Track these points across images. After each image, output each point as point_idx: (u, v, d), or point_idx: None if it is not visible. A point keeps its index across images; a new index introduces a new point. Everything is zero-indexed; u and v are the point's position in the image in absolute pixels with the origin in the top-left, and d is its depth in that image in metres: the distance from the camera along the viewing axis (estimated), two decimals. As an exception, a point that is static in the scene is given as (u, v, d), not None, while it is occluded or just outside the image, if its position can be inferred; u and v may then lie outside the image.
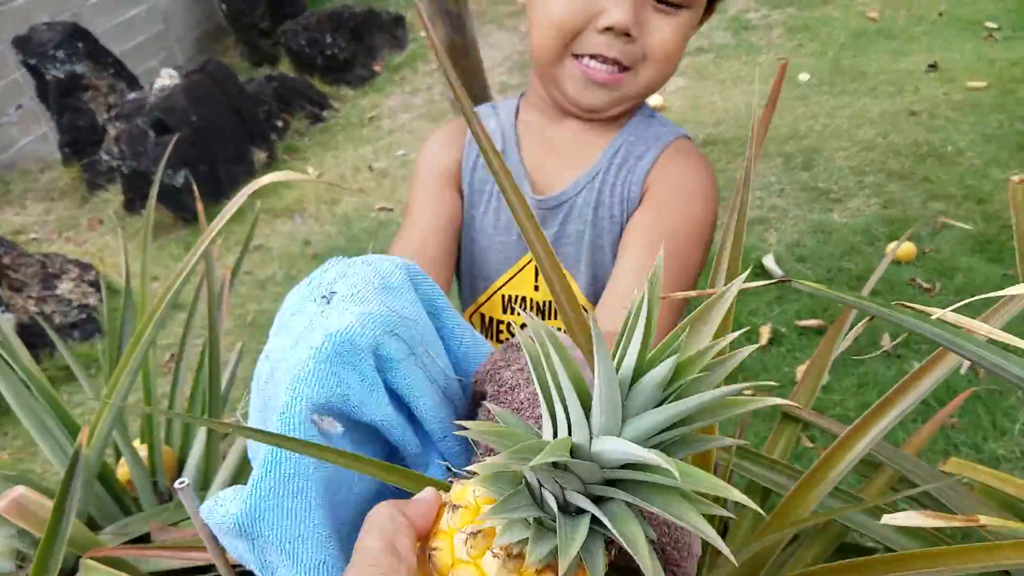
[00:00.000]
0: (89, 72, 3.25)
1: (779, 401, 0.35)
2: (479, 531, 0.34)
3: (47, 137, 3.80)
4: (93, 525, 0.99)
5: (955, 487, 0.70)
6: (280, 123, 3.52)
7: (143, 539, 0.96)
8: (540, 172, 0.79)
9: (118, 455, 1.10)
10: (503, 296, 0.82)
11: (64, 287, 2.58)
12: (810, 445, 1.73)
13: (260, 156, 3.31)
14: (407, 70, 4.23)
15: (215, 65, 3.22)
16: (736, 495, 0.30)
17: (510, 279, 0.81)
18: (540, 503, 0.34)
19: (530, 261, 0.79)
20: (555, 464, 0.32)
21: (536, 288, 0.80)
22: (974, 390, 0.96)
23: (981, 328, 0.47)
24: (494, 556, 0.34)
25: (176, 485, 0.48)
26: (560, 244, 0.78)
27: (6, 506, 0.88)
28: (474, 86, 1.89)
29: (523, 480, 0.34)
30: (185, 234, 2.98)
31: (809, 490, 0.65)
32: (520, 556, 0.34)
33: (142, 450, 1.09)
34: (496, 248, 0.80)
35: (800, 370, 1.94)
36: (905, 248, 2.31)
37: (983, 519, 0.43)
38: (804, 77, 3.46)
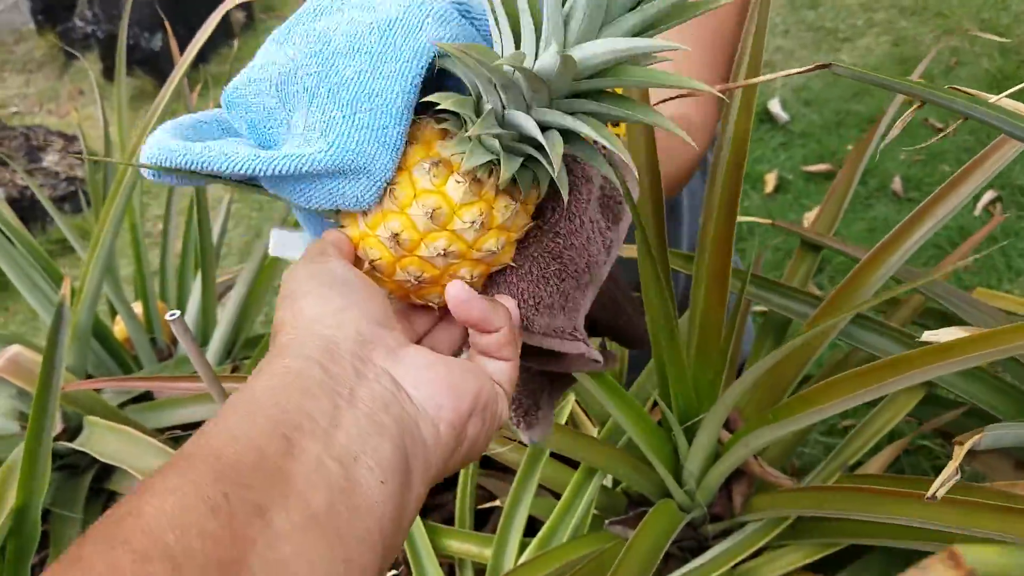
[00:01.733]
0: (48, -73, 3.03)
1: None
2: (439, 160, 0.34)
3: (18, 6, 3.60)
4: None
5: (985, 308, 0.69)
6: (257, -22, 3.32)
7: (145, 397, 0.97)
8: None
9: (114, 314, 1.10)
10: None
11: (50, 159, 2.53)
12: (818, 292, 1.74)
13: (238, 16, 3.14)
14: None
15: (182, -86, 2.99)
16: (696, 85, 0.31)
17: None
18: (503, 124, 0.34)
19: None
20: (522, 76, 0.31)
21: None
22: (992, 228, 0.94)
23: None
24: (458, 182, 0.34)
25: (167, 317, 0.46)
26: None
27: (3, 365, 0.89)
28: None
29: (484, 104, 0.34)
30: (169, 101, 2.88)
31: (829, 314, 0.65)
32: (481, 181, 0.34)
33: (137, 307, 1.08)
34: None
35: (808, 217, 1.91)
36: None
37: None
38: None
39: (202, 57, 2.97)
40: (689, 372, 0.63)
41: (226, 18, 3.11)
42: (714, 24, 0.66)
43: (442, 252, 0.34)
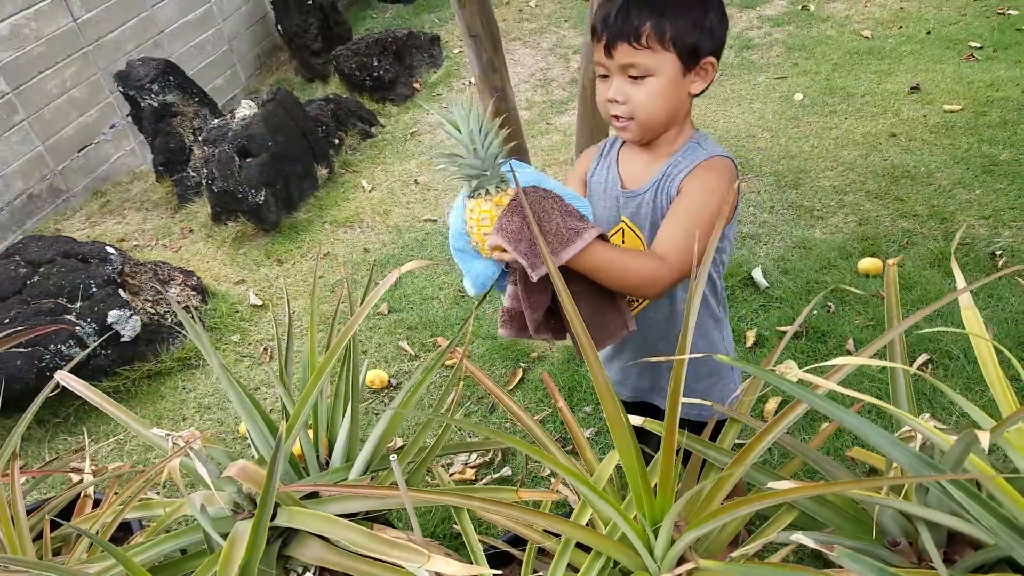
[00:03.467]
0: (178, 101, 3.77)
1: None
2: (476, 200, 1.07)
3: (135, 151, 4.34)
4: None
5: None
6: (337, 140, 4.02)
7: (312, 495, 1.48)
8: (627, 178, 1.33)
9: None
10: None
11: (173, 291, 3.13)
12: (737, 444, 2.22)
13: (322, 172, 3.82)
14: (443, 87, 4.70)
15: (284, 94, 3.72)
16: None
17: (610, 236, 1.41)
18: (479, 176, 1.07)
19: (618, 229, 1.35)
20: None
21: (623, 243, 1.35)
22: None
23: (824, 383, 0.96)
24: (480, 199, 1.06)
25: (391, 458, 0.99)
26: (636, 217, 1.31)
27: (237, 471, 1.42)
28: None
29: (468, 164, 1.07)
30: (264, 242, 3.51)
31: (739, 462, 1.15)
32: (490, 195, 1.04)
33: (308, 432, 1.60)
34: (600, 221, 1.35)
35: (780, 368, 2.42)
36: (873, 263, 2.77)
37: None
38: (798, 97, 3.88)
39: (292, 206, 3.63)
40: (655, 500, 1.14)
41: (312, 173, 3.79)
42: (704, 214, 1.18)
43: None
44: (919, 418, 0.77)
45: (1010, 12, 4.33)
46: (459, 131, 1.03)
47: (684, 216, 1.17)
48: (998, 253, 2.71)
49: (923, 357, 2.34)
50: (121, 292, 2.89)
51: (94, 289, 2.82)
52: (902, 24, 4.45)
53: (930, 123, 3.50)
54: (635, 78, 1.16)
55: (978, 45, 4.07)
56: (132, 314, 2.84)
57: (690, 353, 0.99)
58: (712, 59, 1.19)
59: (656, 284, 1.14)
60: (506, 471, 2.20)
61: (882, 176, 3.23)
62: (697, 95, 1.23)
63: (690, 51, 1.15)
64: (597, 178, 1.36)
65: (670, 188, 1.23)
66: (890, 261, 1.20)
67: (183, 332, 3.01)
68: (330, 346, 1.61)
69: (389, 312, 2.96)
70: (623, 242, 1.33)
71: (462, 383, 2.52)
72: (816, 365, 0.89)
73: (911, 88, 3.78)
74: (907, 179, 3.19)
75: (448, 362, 2.57)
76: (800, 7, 4.89)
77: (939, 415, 2.10)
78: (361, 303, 1.86)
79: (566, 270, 1.09)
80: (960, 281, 1.15)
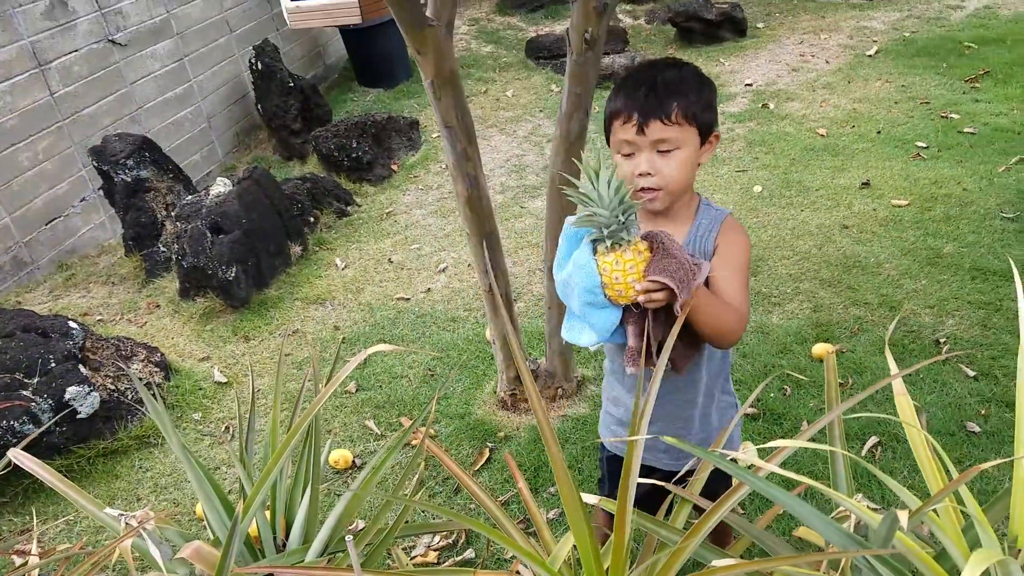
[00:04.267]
0: (153, 176, 3.82)
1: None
2: (616, 253, 1.21)
3: (105, 225, 4.36)
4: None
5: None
6: (312, 218, 4.09)
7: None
8: None
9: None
10: None
11: (134, 367, 3.10)
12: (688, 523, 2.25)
13: (295, 249, 3.87)
14: (420, 169, 4.84)
15: (260, 172, 3.80)
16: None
17: None
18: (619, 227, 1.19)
19: None
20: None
21: None
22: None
23: (765, 466, 1.00)
24: (620, 251, 1.20)
25: (347, 539, 1.00)
26: None
27: (191, 553, 1.40)
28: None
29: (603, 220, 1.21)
30: (232, 319, 3.51)
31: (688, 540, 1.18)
32: (627, 245, 1.19)
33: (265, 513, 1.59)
34: None
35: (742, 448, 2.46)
36: (826, 349, 2.85)
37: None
38: (758, 189, 4.06)
39: (263, 282, 3.65)
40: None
41: (285, 250, 3.84)
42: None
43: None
44: (853, 499, 0.82)
45: (952, 116, 4.62)
46: (596, 191, 1.17)
47: (738, 272, 1.34)
48: (942, 340, 2.82)
49: (872, 440, 2.40)
50: (81, 368, 2.86)
51: (53, 364, 2.79)
52: (855, 124, 4.71)
53: (880, 217, 3.68)
54: (663, 152, 1.31)
55: (924, 145, 4.32)
56: (91, 390, 2.81)
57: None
58: (718, 132, 1.39)
59: (739, 332, 1.31)
60: (469, 553, 2.18)
61: (835, 265, 3.36)
62: (701, 164, 1.40)
63: (706, 125, 1.34)
64: None
65: (706, 246, 1.38)
66: (830, 349, 1.28)
67: (142, 410, 2.97)
68: (292, 425, 1.61)
69: (357, 390, 2.96)
70: None
71: (424, 465, 2.52)
72: (761, 446, 0.94)
73: (862, 183, 3.98)
74: (858, 269, 3.32)
75: (414, 441, 2.57)
76: (761, 105, 5.16)
77: (888, 496, 2.15)
78: (327, 381, 1.88)
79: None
80: (893, 367, 1.22)
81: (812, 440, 1.07)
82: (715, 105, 1.36)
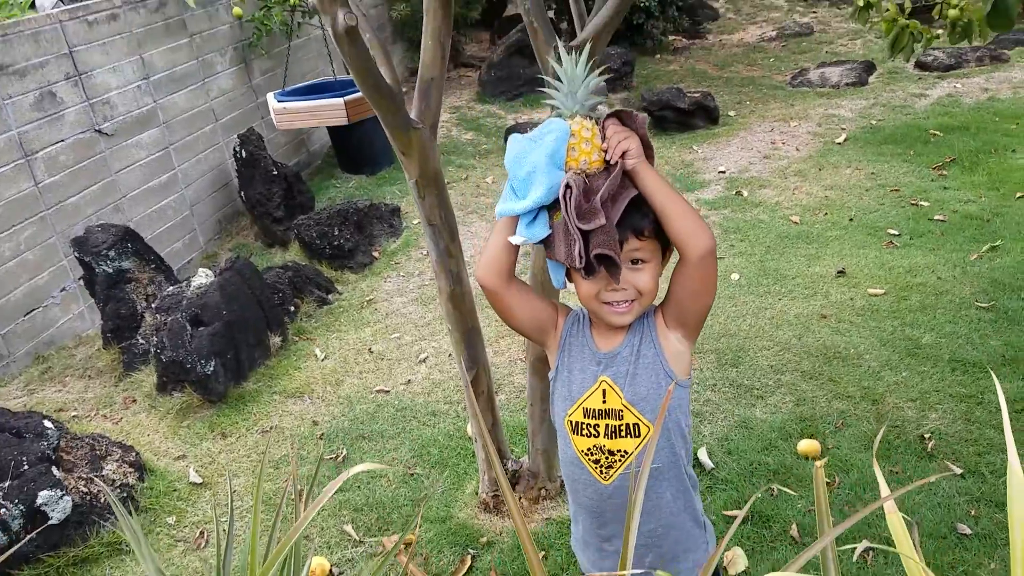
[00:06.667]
0: (134, 267, 3.81)
1: None
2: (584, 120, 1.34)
3: (84, 315, 4.31)
4: None
5: None
6: (292, 307, 4.08)
7: None
8: (601, 341, 1.47)
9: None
10: (583, 408, 1.47)
11: (109, 468, 3.02)
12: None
13: (275, 340, 3.84)
14: (401, 255, 4.87)
15: (242, 263, 3.80)
16: None
17: (588, 397, 1.46)
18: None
19: (598, 386, 1.45)
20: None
21: (604, 401, 1.45)
22: None
23: None
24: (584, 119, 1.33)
25: None
26: (616, 375, 1.44)
27: None
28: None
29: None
30: (209, 414, 3.45)
31: None
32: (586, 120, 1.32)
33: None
34: (576, 382, 1.48)
35: (728, 555, 2.43)
36: (811, 445, 2.84)
37: None
38: (735, 277, 4.12)
39: (242, 375, 3.61)
40: None
41: (265, 341, 3.81)
42: None
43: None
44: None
45: (922, 203, 4.76)
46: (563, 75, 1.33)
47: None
48: (927, 436, 2.82)
49: (864, 543, 2.37)
50: (55, 470, 2.78)
51: (26, 466, 2.71)
52: (827, 211, 4.83)
53: (857, 306, 3.73)
54: (635, 264, 1.37)
55: (896, 232, 4.42)
56: (64, 494, 2.72)
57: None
58: (671, 247, 1.46)
59: (707, 230, 1.33)
60: (450, 674, 2.09)
61: (815, 356, 3.39)
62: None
63: (665, 241, 1.39)
64: (574, 339, 1.52)
65: (652, 334, 1.44)
66: (816, 449, 1.27)
67: (115, 515, 2.88)
68: (269, 555, 1.57)
69: (335, 492, 2.89)
70: (604, 400, 1.45)
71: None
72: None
73: (838, 272, 4.05)
74: (839, 360, 3.35)
75: (391, 546, 2.50)
76: (735, 192, 5.29)
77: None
78: (308, 491, 1.84)
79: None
80: (884, 489, 1.22)
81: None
82: None
